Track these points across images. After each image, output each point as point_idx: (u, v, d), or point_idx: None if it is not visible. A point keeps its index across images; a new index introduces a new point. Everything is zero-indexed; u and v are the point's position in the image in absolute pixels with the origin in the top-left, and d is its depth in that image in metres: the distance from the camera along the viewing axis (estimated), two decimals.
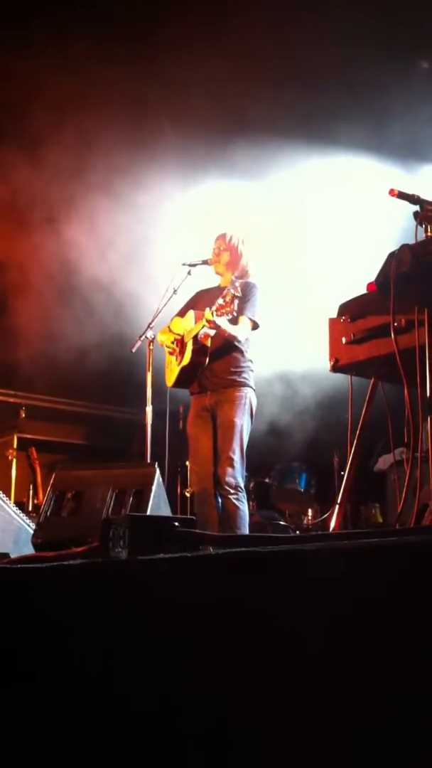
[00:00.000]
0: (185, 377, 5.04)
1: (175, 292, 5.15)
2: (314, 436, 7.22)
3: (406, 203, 3.07)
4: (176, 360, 5.09)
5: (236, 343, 4.93)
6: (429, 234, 2.95)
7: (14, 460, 7.51)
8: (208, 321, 4.72)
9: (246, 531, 4.85)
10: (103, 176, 6.55)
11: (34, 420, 7.90)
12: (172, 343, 5.13)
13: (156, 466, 3.79)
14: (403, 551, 1.49)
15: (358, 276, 3.43)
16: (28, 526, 4.22)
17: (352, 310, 3.45)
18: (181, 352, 5.04)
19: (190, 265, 5.16)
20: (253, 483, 7.16)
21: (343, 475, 3.74)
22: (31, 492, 7.37)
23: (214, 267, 5.18)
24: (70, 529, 3.59)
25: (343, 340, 3.45)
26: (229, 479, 4.78)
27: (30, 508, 7.06)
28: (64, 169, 6.50)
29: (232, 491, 4.77)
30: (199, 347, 4.91)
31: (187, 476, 5.42)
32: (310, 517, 7.28)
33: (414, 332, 3.01)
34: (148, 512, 3.53)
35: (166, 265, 5.38)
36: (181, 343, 5.08)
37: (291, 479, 7.23)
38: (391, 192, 3.00)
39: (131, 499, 3.63)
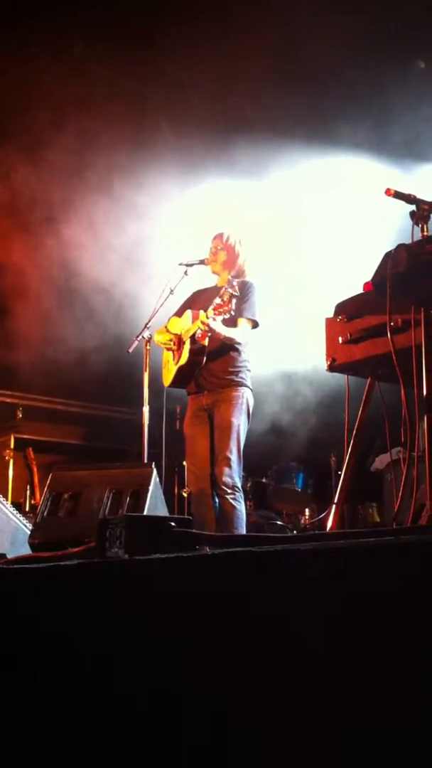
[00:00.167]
0: (182, 377, 5.04)
1: (171, 292, 5.15)
2: (312, 435, 7.23)
3: (402, 203, 3.07)
4: (173, 360, 5.09)
5: (234, 344, 4.93)
6: (425, 233, 2.95)
7: (11, 461, 7.51)
8: (203, 323, 4.73)
9: (243, 531, 4.84)
10: (102, 177, 6.56)
11: (32, 420, 7.89)
12: (169, 341, 5.13)
13: (153, 466, 3.78)
14: (400, 551, 1.49)
15: (355, 275, 3.43)
16: (25, 526, 4.21)
17: (348, 309, 3.45)
18: (179, 352, 5.04)
19: (186, 265, 5.16)
20: (250, 483, 7.16)
21: (340, 475, 3.74)
22: (28, 492, 7.37)
23: (210, 266, 5.18)
24: (67, 530, 3.58)
25: (340, 339, 3.46)
26: (226, 479, 4.78)
27: (27, 509, 7.06)
28: (64, 170, 6.50)
29: (229, 491, 4.77)
30: (196, 347, 4.91)
31: (185, 476, 5.41)
32: (307, 517, 7.28)
33: (410, 332, 3.02)
34: (145, 512, 3.53)
35: (165, 266, 5.38)
36: (178, 342, 5.08)
37: (288, 479, 7.23)
38: (387, 192, 3.00)
39: (128, 499, 3.62)
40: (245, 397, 4.95)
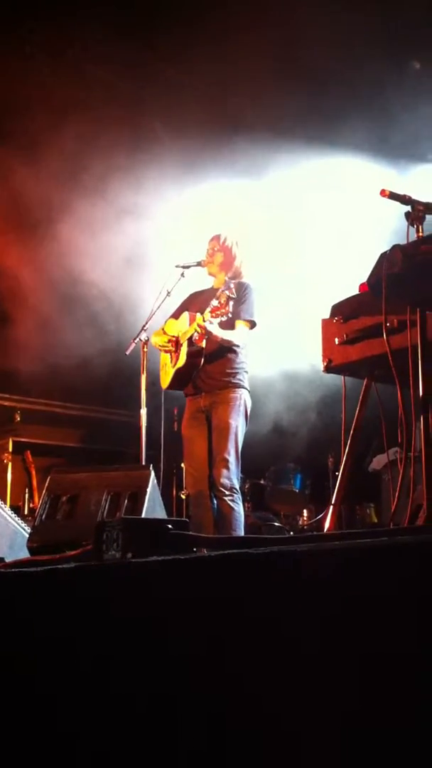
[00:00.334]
0: (180, 379, 5.05)
1: (168, 294, 5.16)
2: (309, 436, 7.23)
3: (398, 204, 3.07)
4: (171, 362, 5.10)
5: (232, 346, 4.94)
6: (420, 234, 2.95)
7: (9, 464, 7.50)
8: (199, 326, 4.74)
9: (241, 532, 4.85)
10: (101, 179, 6.55)
11: (30, 423, 7.89)
12: (167, 343, 5.13)
13: (151, 468, 3.79)
14: (396, 551, 1.49)
15: (352, 276, 3.44)
16: (24, 529, 4.22)
17: (344, 310, 3.45)
18: (176, 354, 5.05)
19: (183, 267, 5.16)
20: (248, 484, 7.16)
21: (337, 476, 3.74)
22: (26, 496, 7.37)
23: (207, 268, 5.18)
24: (66, 533, 3.58)
25: (336, 340, 3.46)
26: (224, 481, 4.78)
27: (25, 512, 7.06)
28: (62, 173, 6.50)
29: (227, 493, 4.78)
30: (193, 349, 4.92)
31: (183, 478, 5.42)
32: (305, 518, 7.29)
33: (406, 333, 3.02)
34: (143, 515, 3.53)
35: (164, 268, 5.38)
36: (175, 344, 5.08)
37: (286, 480, 7.23)
38: (382, 192, 3.00)
39: (126, 501, 3.63)
40: (243, 398, 4.96)
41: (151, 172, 6.53)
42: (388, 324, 3.03)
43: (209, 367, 4.97)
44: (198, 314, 4.86)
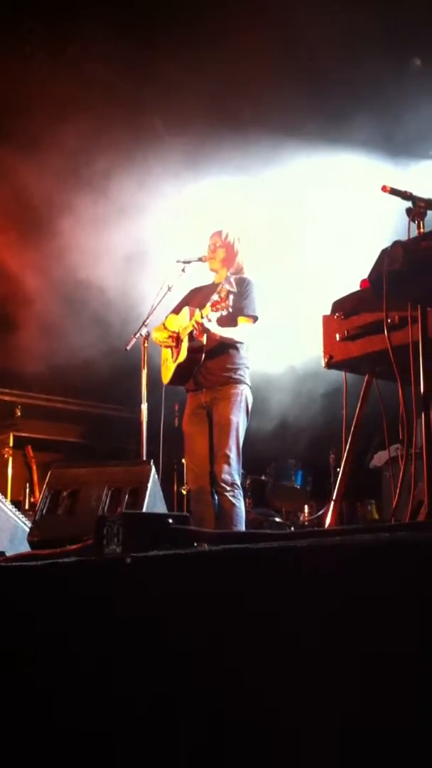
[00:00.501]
0: (181, 374, 5.05)
1: (169, 289, 5.16)
2: (310, 433, 7.23)
3: (399, 200, 3.07)
4: (172, 357, 5.10)
5: (233, 342, 4.95)
6: (421, 230, 2.95)
7: (10, 459, 7.51)
8: (197, 323, 4.74)
9: (242, 528, 4.85)
10: (102, 178, 6.55)
11: (30, 418, 7.90)
12: (167, 339, 5.13)
13: (152, 463, 3.79)
14: (396, 547, 1.49)
15: (353, 273, 3.43)
16: (24, 524, 4.21)
17: (345, 306, 3.45)
18: (177, 349, 5.05)
19: (184, 262, 5.16)
20: (249, 480, 7.16)
21: (338, 472, 3.74)
22: (27, 490, 7.38)
23: (209, 264, 5.18)
24: (66, 528, 3.58)
25: (337, 336, 3.45)
26: (226, 476, 4.78)
27: (26, 507, 7.06)
28: (63, 171, 6.49)
29: (228, 488, 4.78)
30: (194, 345, 4.92)
31: (184, 474, 5.42)
32: (306, 515, 7.29)
33: (407, 329, 3.01)
34: (144, 510, 3.53)
35: (164, 264, 5.38)
36: (176, 339, 5.08)
37: (287, 476, 7.24)
38: (384, 188, 3.00)
39: (127, 497, 3.62)
40: (244, 394, 4.96)
41: (152, 170, 6.52)
42: (389, 320, 3.03)
43: (210, 363, 4.97)
44: (197, 310, 4.86)
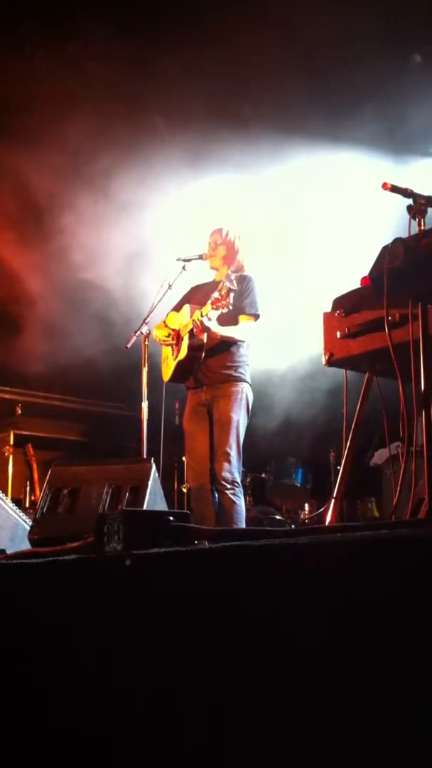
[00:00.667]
0: (182, 372, 5.05)
1: (170, 287, 5.15)
2: (311, 431, 7.23)
3: (400, 198, 3.07)
4: (172, 355, 5.10)
5: (234, 340, 4.95)
6: (422, 228, 2.95)
7: (11, 457, 7.51)
8: (198, 322, 4.74)
9: (243, 526, 4.85)
10: (103, 176, 6.54)
11: (31, 417, 7.90)
12: (168, 336, 5.13)
13: (152, 461, 3.78)
14: (396, 544, 1.49)
15: (354, 271, 3.43)
16: (25, 522, 4.22)
17: (346, 304, 3.44)
18: (177, 347, 5.05)
19: (184, 260, 5.15)
20: (249, 478, 7.16)
21: (339, 470, 3.74)
22: (27, 489, 7.38)
23: (209, 262, 5.18)
24: (67, 526, 3.58)
25: (338, 334, 3.45)
26: (226, 474, 4.78)
27: (27, 505, 7.07)
28: (63, 170, 6.49)
29: (228, 486, 4.78)
30: (194, 342, 4.92)
31: (184, 472, 5.42)
32: (306, 512, 7.29)
33: (408, 326, 3.01)
34: (144, 508, 3.53)
35: (165, 262, 5.37)
36: (177, 337, 5.08)
37: (287, 474, 7.24)
38: (384, 185, 2.99)
39: (127, 495, 3.62)
40: (244, 392, 4.95)
41: (153, 168, 6.52)
42: (389, 318, 3.03)
43: (210, 360, 4.97)
44: (198, 308, 4.86)
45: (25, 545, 3.72)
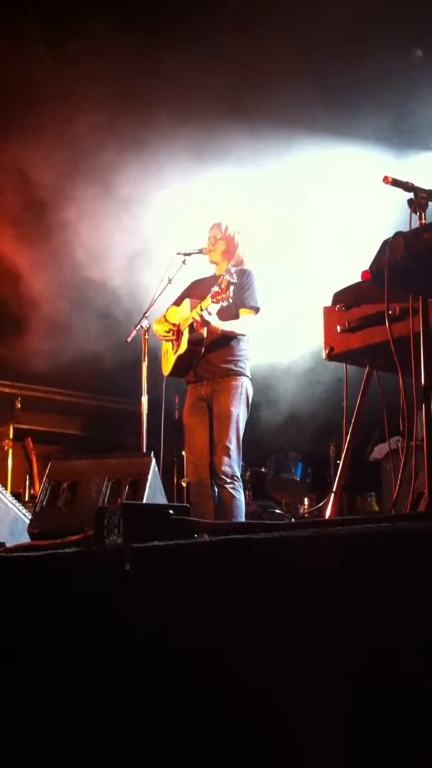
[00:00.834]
0: (181, 366, 5.05)
1: (170, 281, 5.15)
2: (311, 425, 7.23)
3: (401, 193, 3.06)
4: (173, 349, 5.10)
5: (235, 334, 4.94)
6: (423, 221, 2.94)
7: (10, 451, 7.52)
8: (196, 318, 4.74)
9: (243, 520, 4.85)
10: (103, 172, 6.53)
11: (31, 411, 7.90)
12: (168, 332, 5.13)
13: (152, 456, 3.79)
14: (397, 536, 1.49)
15: (355, 264, 3.43)
16: (25, 516, 4.22)
17: (346, 298, 3.44)
18: (178, 341, 5.05)
19: (185, 254, 5.15)
20: (249, 472, 7.17)
21: (339, 465, 3.74)
22: (27, 482, 7.38)
23: (209, 256, 5.17)
24: (66, 520, 3.58)
25: (338, 328, 3.45)
26: (226, 469, 4.78)
27: (26, 499, 7.07)
28: (66, 166, 6.48)
29: (228, 481, 4.78)
30: (194, 337, 4.91)
31: (184, 466, 5.42)
32: (305, 507, 7.30)
33: (408, 321, 3.01)
34: (144, 502, 3.53)
35: (166, 257, 5.36)
36: (177, 331, 5.08)
37: (287, 469, 7.24)
38: (385, 179, 2.98)
39: (127, 489, 3.63)
40: (244, 386, 4.95)
41: (154, 164, 6.50)
42: (390, 312, 3.03)
43: (210, 355, 4.96)
44: (198, 303, 4.85)
45: (25, 539, 3.73)
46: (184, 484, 6.47)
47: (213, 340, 4.93)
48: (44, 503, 3.77)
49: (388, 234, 2.89)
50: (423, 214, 2.96)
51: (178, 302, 5.21)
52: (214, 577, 1.68)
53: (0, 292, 6.89)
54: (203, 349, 4.95)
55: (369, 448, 6.67)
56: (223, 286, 4.60)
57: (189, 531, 2.06)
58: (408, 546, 1.45)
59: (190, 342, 4.93)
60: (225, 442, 4.81)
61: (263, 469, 7.34)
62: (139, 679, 1.76)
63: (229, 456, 4.80)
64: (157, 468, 3.77)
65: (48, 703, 1.91)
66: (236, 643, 1.62)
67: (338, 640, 1.48)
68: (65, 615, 1.92)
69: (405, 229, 2.93)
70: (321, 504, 6.94)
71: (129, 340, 5.17)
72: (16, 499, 4.47)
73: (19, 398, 7.81)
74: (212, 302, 4.65)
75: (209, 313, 4.73)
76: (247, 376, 4.99)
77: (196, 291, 5.13)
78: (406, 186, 3.00)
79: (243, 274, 4.97)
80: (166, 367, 5.15)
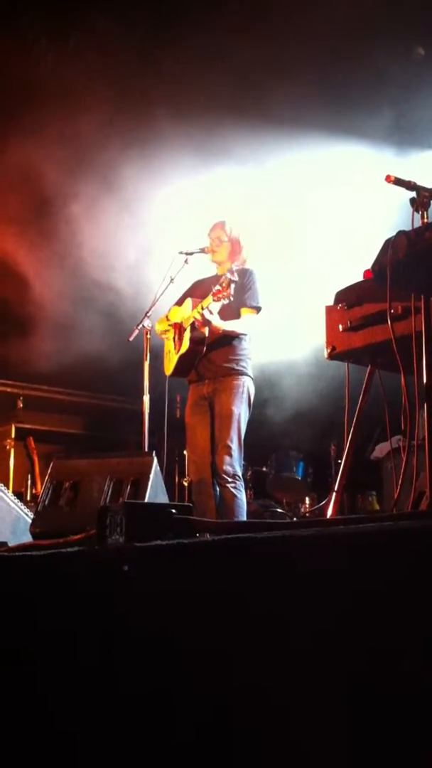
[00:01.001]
0: (183, 365, 5.05)
1: (172, 280, 5.15)
2: (312, 424, 7.22)
3: (404, 192, 3.06)
4: (174, 348, 5.10)
5: (236, 334, 4.94)
6: (425, 220, 2.94)
7: (12, 450, 7.52)
8: (198, 317, 4.73)
9: (244, 519, 4.85)
10: (105, 170, 6.53)
11: (32, 410, 7.90)
12: (169, 331, 5.13)
13: (153, 455, 3.79)
14: (399, 535, 1.49)
15: (357, 264, 3.42)
16: (27, 515, 4.22)
17: (348, 297, 3.44)
18: (179, 341, 5.05)
19: (187, 254, 5.15)
20: (250, 472, 7.17)
21: (340, 464, 3.74)
22: (29, 482, 7.38)
23: (211, 256, 5.17)
24: (68, 519, 3.58)
25: (340, 327, 3.45)
26: (227, 468, 4.78)
27: (28, 498, 7.07)
28: (69, 165, 6.48)
29: (229, 480, 4.78)
30: (196, 335, 4.91)
31: (185, 465, 5.42)
32: (307, 506, 7.29)
33: (410, 319, 3.01)
34: (146, 501, 3.53)
35: (167, 256, 5.36)
36: (179, 331, 5.08)
37: (288, 468, 7.24)
38: (388, 178, 2.98)
39: (129, 488, 3.63)
40: (246, 385, 4.95)
41: (156, 162, 6.50)
42: (392, 311, 3.03)
43: (212, 354, 4.96)
44: (199, 306, 4.85)
45: (27, 538, 3.73)
46: (185, 483, 6.48)
47: (215, 339, 4.93)
48: (46, 502, 3.77)
49: (390, 233, 2.88)
50: (425, 213, 2.96)
51: (179, 302, 5.21)
52: (217, 577, 1.69)
53: (1, 291, 6.88)
54: (205, 348, 4.95)
55: (370, 447, 6.66)
56: (224, 285, 4.60)
57: (191, 530, 2.06)
58: (410, 545, 1.45)
59: (191, 341, 4.93)
60: (226, 442, 4.81)
61: (264, 469, 7.34)
62: (141, 678, 1.76)
63: (230, 455, 4.80)
64: (158, 467, 3.77)
65: (50, 703, 1.91)
66: (239, 643, 1.62)
67: (340, 639, 1.48)
68: (67, 614, 1.92)
69: (407, 228, 2.93)
70: (322, 503, 6.93)
71: (131, 339, 5.18)
72: (18, 498, 4.47)
73: (21, 398, 7.81)
74: (213, 300, 4.66)
75: (210, 312, 4.73)
76: (249, 376, 4.99)
77: (198, 290, 5.13)
78: (409, 185, 3.00)
79: (244, 274, 4.97)
80: (168, 366, 5.15)
